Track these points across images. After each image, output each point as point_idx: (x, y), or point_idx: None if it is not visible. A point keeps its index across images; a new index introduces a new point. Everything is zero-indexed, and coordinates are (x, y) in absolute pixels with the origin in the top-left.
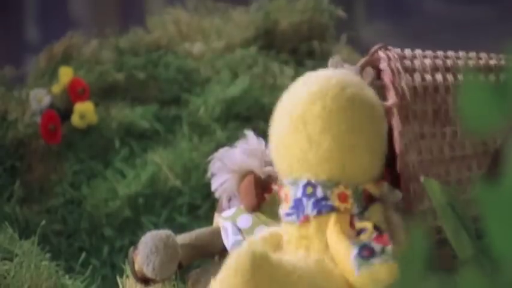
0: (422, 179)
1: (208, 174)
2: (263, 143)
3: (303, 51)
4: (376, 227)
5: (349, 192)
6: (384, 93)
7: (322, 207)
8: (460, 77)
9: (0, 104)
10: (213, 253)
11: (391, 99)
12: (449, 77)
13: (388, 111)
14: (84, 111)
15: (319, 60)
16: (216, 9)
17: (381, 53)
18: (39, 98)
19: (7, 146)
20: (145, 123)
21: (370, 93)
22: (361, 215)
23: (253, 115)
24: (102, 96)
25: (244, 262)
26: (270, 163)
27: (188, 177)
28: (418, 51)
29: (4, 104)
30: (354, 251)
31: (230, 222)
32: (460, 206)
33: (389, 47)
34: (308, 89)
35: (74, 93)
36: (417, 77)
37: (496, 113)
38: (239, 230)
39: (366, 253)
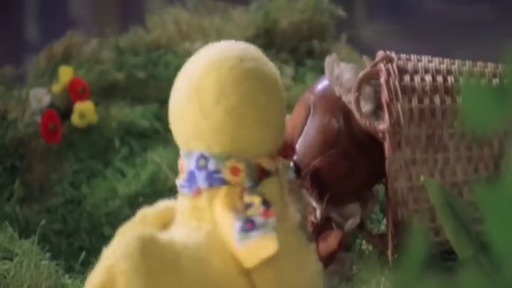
0: (422, 178)
1: None
2: None
3: (303, 51)
4: (264, 202)
5: (241, 166)
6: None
7: (213, 180)
8: (460, 98)
9: (0, 103)
10: None
11: (385, 123)
12: (448, 99)
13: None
14: (84, 110)
15: (319, 60)
16: (216, 9)
17: (382, 66)
18: (39, 97)
19: (7, 145)
20: (145, 122)
21: (269, 70)
22: (253, 188)
23: None
24: (102, 96)
25: (132, 248)
26: None
27: None
28: (421, 63)
29: (4, 103)
30: (237, 224)
31: None
32: (460, 206)
33: (393, 56)
34: (206, 59)
35: (74, 92)
36: (415, 98)
37: (496, 113)
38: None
39: (248, 226)
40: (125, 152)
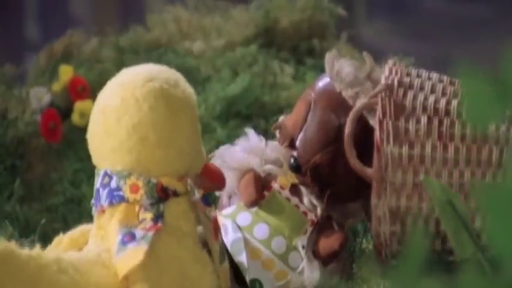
0: (422, 176)
1: None
2: (263, 141)
3: (303, 50)
4: (155, 218)
5: (140, 183)
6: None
7: (113, 198)
8: (451, 146)
9: (0, 102)
10: None
11: (373, 168)
12: (440, 146)
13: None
14: (84, 109)
15: (319, 59)
16: (216, 8)
17: (380, 100)
18: (40, 96)
19: (7, 144)
20: None
21: (180, 92)
22: (154, 206)
23: (253, 113)
24: None
25: None
26: (270, 161)
27: None
28: (422, 93)
29: (4, 102)
30: (119, 237)
31: (230, 219)
32: (460, 205)
33: (394, 85)
34: (115, 80)
35: (74, 91)
36: (406, 145)
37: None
38: (238, 227)
39: (127, 239)
40: None
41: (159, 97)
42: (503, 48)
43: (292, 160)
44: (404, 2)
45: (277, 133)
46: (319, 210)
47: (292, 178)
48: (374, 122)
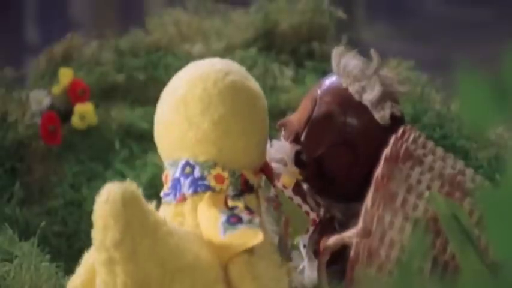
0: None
1: None
2: (268, 141)
3: (303, 53)
4: (247, 207)
5: (225, 174)
6: None
7: (198, 186)
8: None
9: (0, 105)
10: None
11: (357, 227)
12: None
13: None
14: (84, 112)
15: (319, 61)
16: (216, 11)
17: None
18: (39, 99)
19: (7, 147)
20: (145, 124)
21: (253, 84)
22: (237, 198)
23: None
24: (102, 98)
25: (115, 193)
26: (273, 160)
27: None
28: (428, 175)
29: (4, 105)
30: (223, 217)
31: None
32: (465, 219)
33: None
34: (191, 73)
35: (74, 94)
36: (395, 231)
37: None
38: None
39: (234, 220)
40: (125, 154)
41: (240, 89)
42: (503, 51)
43: (296, 155)
44: (404, 5)
45: (282, 131)
46: (322, 208)
47: (297, 174)
48: (379, 116)
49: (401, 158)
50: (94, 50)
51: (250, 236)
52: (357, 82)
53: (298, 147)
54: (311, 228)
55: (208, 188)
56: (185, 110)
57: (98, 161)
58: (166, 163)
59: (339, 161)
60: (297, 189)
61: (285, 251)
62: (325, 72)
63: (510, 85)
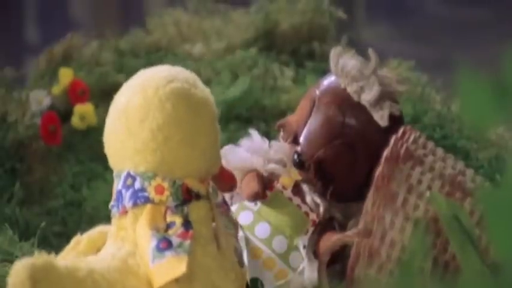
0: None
1: None
2: (267, 142)
3: (303, 53)
4: (185, 223)
5: (165, 185)
6: None
7: (138, 199)
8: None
9: (0, 105)
10: None
11: (359, 226)
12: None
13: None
14: (84, 112)
15: (319, 62)
16: (216, 11)
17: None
18: (39, 99)
19: (7, 147)
20: None
21: (200, 92)
22: (179, 208)
23: (253, 116)
24: (102, 98)
25: (22, 275)
26: (272, 161)
27: None
28: (428, 175)
29: (4, 105)
30: (153, 242)
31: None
32: (466, 220)
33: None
34: (134, 81)
35: (74, 94)
36: (396, 231)
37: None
38: (240, 226)
39: (163, 245)
40: None
41: (182, 97)
42: (503, 51)
43: (295, 156)
44: (405, 5)
45: (280, 132)
46: (321, 209)
47: (296, 175)
48: (377, 116)
49: (402, 158)
50: (94, 50)
51: (175, 267)
52: (355, 82)
53: (297, 147)
54: (311, 229)
55: (147, 200)
56: (126, 120)
57: (98, 161)
58: (114, 174)
59: (338, 161)
60: (296, 189)
61: (238, 254)
62: (325, 72)
63: (510, 85)
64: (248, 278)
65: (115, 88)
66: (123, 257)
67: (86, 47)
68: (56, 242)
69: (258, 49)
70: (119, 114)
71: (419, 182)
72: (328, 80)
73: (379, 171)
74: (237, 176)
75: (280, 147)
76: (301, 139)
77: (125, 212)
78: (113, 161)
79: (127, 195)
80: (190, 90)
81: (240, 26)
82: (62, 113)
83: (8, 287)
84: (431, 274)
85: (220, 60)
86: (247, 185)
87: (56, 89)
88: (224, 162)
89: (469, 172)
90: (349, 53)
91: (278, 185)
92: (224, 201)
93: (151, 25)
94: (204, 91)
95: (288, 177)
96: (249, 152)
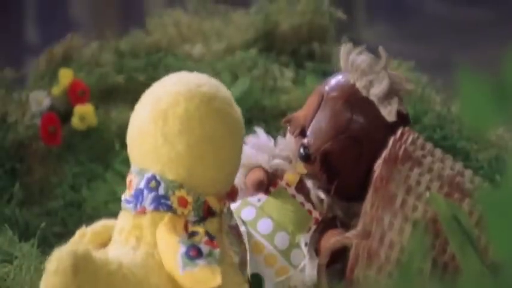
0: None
1: None
2: (272, 139)
3: (303, 53)
4: (207, 233)
5: (189, 199)
6: None
7: (160, 205)
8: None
9: (0, 105)
10: None
11: (358, 228)
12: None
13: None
14: (84, 113)
15: (319, 62)
16: (216, 11)
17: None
18: (39, 100)
19: (7, 148)
20: None
21: (236, 113)
22: (197, 223)
23: (253, 117)
24: (102, 99)
25: (65, 262)
26: (278, 157)
27: None
28: (427, 176)
29: (4, 106)
30: (182, 249)
31: (235, 214)
32: (466, 221)
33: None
34: (178, 87)
35: (74, 95)
36: (395, 232)
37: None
38: (243, 222)
39: (193, 253)
40: (125, 155)
41: (221, 117)
42: (503, 52)
43: (302, 148)
44: (405, 6)
45: (287, 126)
46: (325, 204)
47: (301, 168)
48: (385, 112)
49: (400, 160)
50: (94, 50)
51: (208, 278)
52: (364, 76)
53: (303, 140)
54: (313, 227)
55: (170, 208)
56: (163, 125)
57: (98, 162)
58: (133, 168)
59: (344, 155)
60: (299, 187)
61: (244, 271)
62: (325, 73)
63: (510, 86)
64: (249, 273)
65: (115, 89)
66: (143, 257)
67: (85, 47)
68: (56, 242)
69: (257, 50)
70: (156, 117)
71: (418, 183)
72: (337, 77)
73: (377, 172)
74: (242, 172)
75: (286, 144)
76: (308, 132)
77: (143, 213)
78: (136, 157)
79: (149, 197)
80: (229, 111)
81: (240, 26)
82: (62, 113)
83: (47, 273)
84: (430, 275)
85: (220, 61)
86: (252, 175)
87: (56, 90)
88: None
89: (468, 173)
90: (358, 49)
91: (282, 182)
92: (237, 225)
93: (151, 26)
94: (237, 112)
95: (292, 174)
96: (254, 149)
